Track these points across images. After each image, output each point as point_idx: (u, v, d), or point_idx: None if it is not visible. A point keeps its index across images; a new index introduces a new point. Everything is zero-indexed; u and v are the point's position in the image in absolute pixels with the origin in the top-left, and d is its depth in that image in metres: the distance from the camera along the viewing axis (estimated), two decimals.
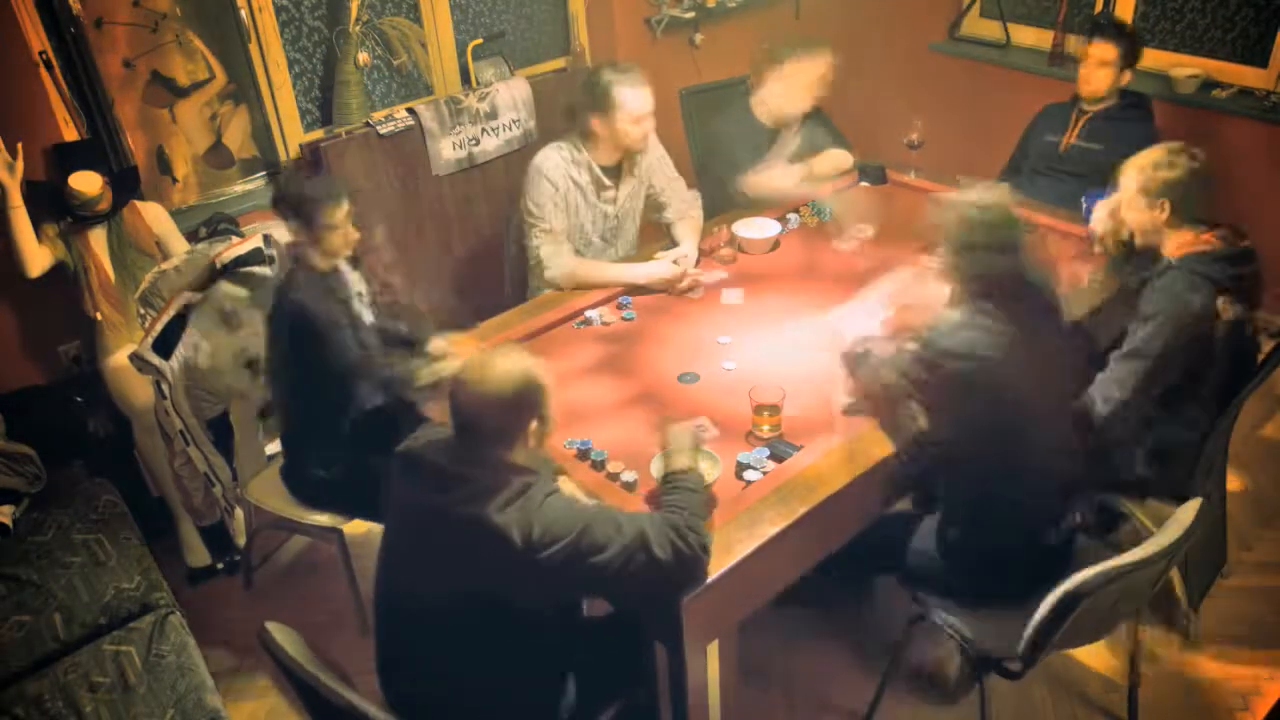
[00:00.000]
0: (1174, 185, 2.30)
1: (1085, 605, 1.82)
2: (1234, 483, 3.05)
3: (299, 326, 2.39)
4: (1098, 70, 3.19)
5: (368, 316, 2.60)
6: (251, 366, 2.82)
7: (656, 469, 2.05)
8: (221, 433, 2.76)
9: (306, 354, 2.41)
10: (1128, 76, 3.21)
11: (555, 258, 2.90)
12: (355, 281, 2.61)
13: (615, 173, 3.01)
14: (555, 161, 2.92)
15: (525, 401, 1.76)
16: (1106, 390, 2.31)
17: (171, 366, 2.52)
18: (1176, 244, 2.35)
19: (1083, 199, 2.95)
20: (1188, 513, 1.94)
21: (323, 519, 2.63)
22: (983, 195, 2.02)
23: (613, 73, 2.83)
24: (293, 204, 2.42)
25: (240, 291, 2.82)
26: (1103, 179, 2.84)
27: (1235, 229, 2.36)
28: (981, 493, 2.08)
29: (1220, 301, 2.28)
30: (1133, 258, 2.56)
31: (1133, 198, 2.38)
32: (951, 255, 2.02)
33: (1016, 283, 2.00)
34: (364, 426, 2.51)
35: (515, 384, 1.74)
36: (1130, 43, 3.17)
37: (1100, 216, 2.70)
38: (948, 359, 1.95)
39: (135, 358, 2.50)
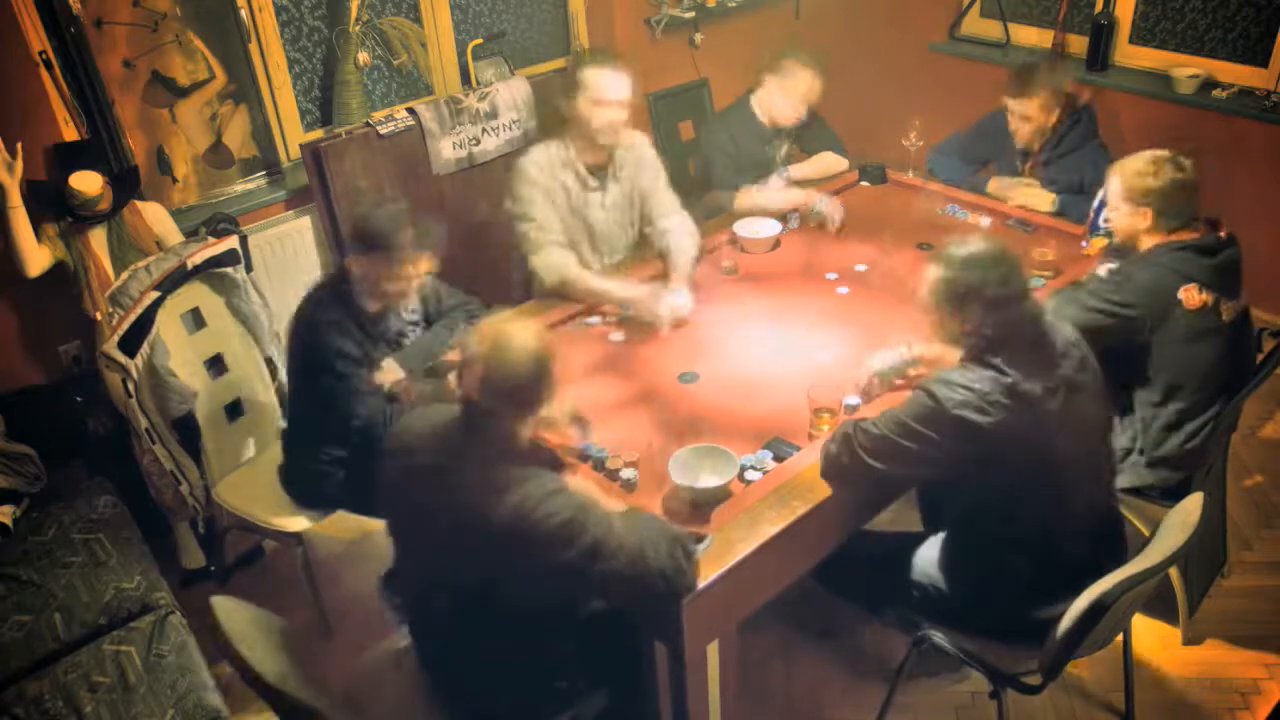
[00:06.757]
0: (1157, 194, 2.34)
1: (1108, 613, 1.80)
2: (1234, 483, 3.05)
3: (309, 349, 2.39)
4: (1022, 125, 3.10)
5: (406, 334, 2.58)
6: (213, 367, 2.82)
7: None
8: (191, 433, 2.76)
9: (309, 377, 2.42)
10: (1055, 115, 3.08)
11: (547, 259, 2.82)
12: (397, 323, 2.55)
13: (601, 175, 2.95)
14: (540, 158, 2.86)
15: (543, 372, 1.72)
16: None
17: (137, 365, 2.53)
18: (1150, 243, 2.40)
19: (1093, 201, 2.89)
20: (1193, 510, 1.92)
21: (287, 523, 2.61)
22: (974, 246, 1.93)
23: (590, 57, 2.88)
24: (373, 238, 2.30)
25: (210, 292, 2.82)
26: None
27: (1211, 221, 2.39)
28: (1004, 520, 2.00)
29: (1186, 289, 2.30)
30: (1112, 255, 2.60)
31: (1118, 202, 2.42)
32: (950, 314, 1.94)
33: (1030, 328, 1.92)
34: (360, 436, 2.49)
35: (533, 354, 1.70)
36: (1052, 86, 3.02)
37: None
38: (949, 408, 1.86)
39: (103, 355, 2.52)
